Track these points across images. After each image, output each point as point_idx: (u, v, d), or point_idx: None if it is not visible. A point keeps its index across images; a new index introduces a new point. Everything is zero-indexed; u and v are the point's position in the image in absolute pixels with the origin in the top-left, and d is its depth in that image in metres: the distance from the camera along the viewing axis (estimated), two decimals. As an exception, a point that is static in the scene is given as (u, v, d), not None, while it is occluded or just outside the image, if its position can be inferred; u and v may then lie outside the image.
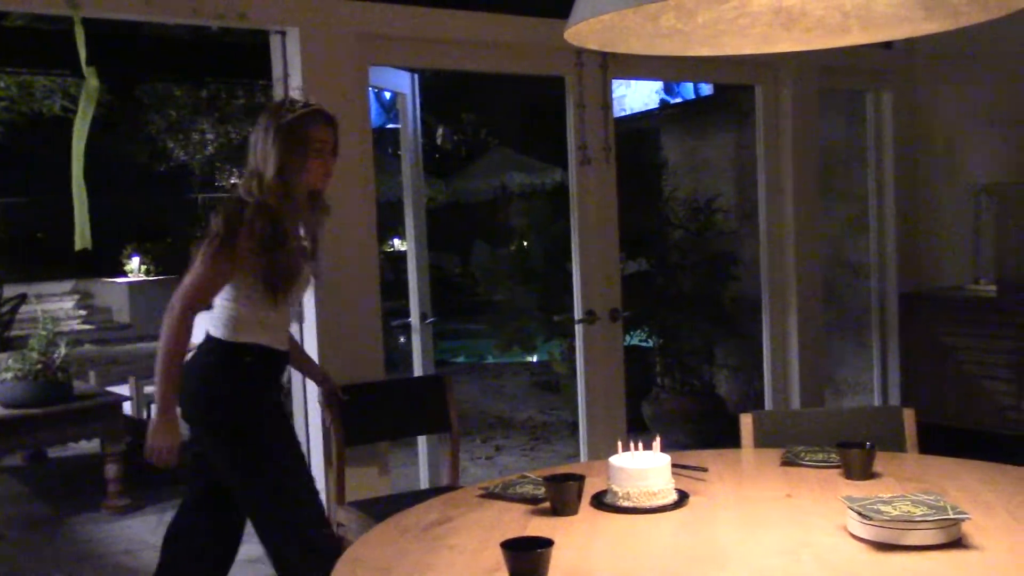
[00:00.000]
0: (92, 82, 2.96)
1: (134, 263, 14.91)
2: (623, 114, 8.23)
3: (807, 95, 4.80)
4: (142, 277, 14.81)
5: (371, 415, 3.38)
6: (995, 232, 4.85)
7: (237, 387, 2.70)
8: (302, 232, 2.77)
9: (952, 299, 4.92)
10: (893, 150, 5.25)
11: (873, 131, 5.31)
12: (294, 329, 3.41)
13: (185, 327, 2.61)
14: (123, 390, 5.87)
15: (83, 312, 14.17)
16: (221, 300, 2.68)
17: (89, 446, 5.83)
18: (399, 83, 4.22)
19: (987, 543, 1.77)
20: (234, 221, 2.58)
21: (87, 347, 11.05)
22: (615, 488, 2.06)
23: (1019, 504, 1.97)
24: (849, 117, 5.63)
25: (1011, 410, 4.53)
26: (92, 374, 6.19)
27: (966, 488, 2.09)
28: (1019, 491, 2.05)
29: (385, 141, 11.59)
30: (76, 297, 14.69)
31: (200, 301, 2.64)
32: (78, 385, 5.26)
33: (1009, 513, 1.92)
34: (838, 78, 5.01)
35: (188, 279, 2.62)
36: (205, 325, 2.75)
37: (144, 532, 4.83)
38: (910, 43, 5.07)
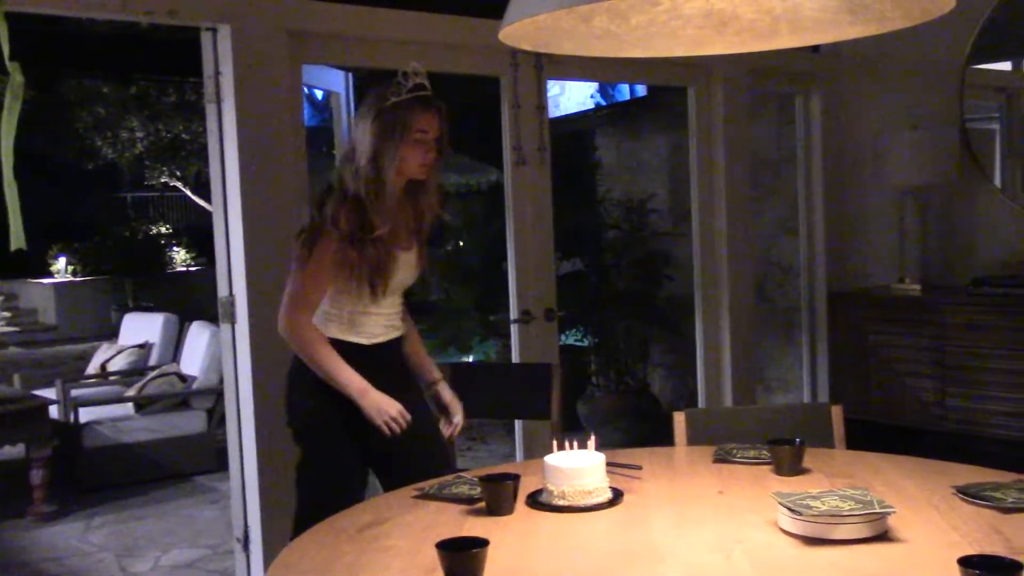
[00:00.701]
0: (17, 78, 2.89)
1: (61, 263, 14.57)
2: (558, 115, 8.26)
3: (738, 97, 4.87)
4: (69, 278, 14.47)
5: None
6: (919, 233, 4.97)
7: (307, 391, 2.65)
8: (400, 223, 2.65)
9: (878, 298, 5.03)
10: (821, 153, 5.36)
11: (802, 134, 5.41)
12: (229, 328, 3.36)
13: (306, 334, 2.56)
14: (49, 393, 5.75)
15: (7, 314, 13.80)
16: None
17: (14, 451, 5.68)
18: (333, 82, 4.19)
19: (912, 536, 1.81)
20: (317, 215, 2.52)
21: (12, 350, 10.78)
22: (550, 487, 2.06)
23: (942, 497, 2.02)
24: (779, 120, 5.73)
25: (934, 406, 4.64)
26: (16, 377, 6.04)
27: (891, 483, 2.14)
28: (940, 485, 2.10)
29: (319, 140, 11.48)
30: (0, 299, 14.31)
31: (302, 307, 2.57)
32: (2, 388, 5.12)
33: (933, 506, 1.97)
34: (768, 81, 5.09)
35: (286, 288, 2.59)
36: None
37: (71, 539, 4.73)
38: (837, 47, 5.18)
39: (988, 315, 4.48)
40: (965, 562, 1.51)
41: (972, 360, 4.52)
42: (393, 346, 2.74)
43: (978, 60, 4.94)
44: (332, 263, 2.53)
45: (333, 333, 2.62)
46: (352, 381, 2.54)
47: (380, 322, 2.68)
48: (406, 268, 2.67)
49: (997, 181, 5.03)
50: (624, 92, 7.89)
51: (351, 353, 2.60)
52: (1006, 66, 5.30)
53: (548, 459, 2.09)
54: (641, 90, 7.20)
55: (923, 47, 4.78)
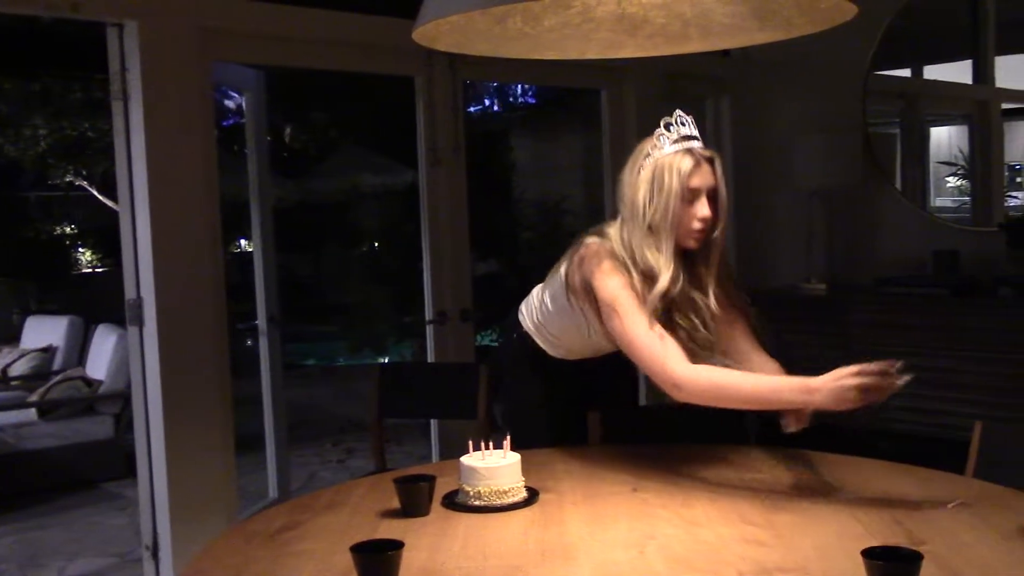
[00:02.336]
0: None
1: (-42, 265, 14.06)
2: (474, 110, 8.27)
3: (650, 100, 4.93)
4: (-33, 279, 13.97)
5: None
6: (825, 234, 5.10)
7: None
8: None
9: (786, 298, 5.15)
10: (731, 155, 5.47)
11: (713, 136, 5.51)
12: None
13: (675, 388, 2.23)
14: (-53, 400, 5.54)
15: (-99, 318, 13.27)
16: None
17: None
18: (244, 80, 4.13)
19: (817, 528, 1.86)
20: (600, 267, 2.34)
21: (-95, 355, 10.36)
22: (466, 487, 2.06)
23: (848, 491, 2.08)
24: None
25: (841, 403, 4.76)
26: (-89, 383, 5.81)
27: (799, 477, 2.21)
28: (847, 478, 2.18)
29: (231, 139, 11.30)
30: None
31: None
32: None
33: (838, 499, 2.03)
34: (680, 84, 5.17)
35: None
36: None
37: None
38: (747, 52, 5.29)
39: (891, 313, 4.62)
40: (868, 553, 1.56)
41: (877, 358, 4.60)
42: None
43: (880, 66, 5.09)
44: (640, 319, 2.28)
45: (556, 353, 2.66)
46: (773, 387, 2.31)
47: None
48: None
49: (898, 184, 5.19)
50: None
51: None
52: (906, 73, 5.48)
53: (464, 459, 2.09)
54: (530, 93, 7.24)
55: (829, 53, 4.91)
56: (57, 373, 6.19)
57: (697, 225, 2.30)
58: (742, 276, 5.46)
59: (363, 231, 10.40)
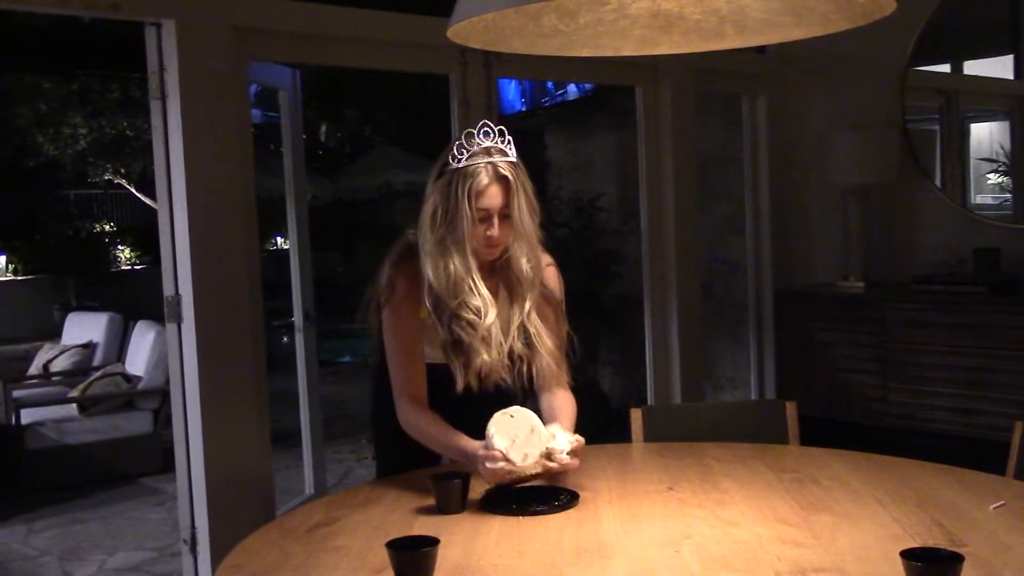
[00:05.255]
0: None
1: (1, 262, 14.27)
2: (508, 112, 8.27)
3: (686, 97, 4.91)
4: (10, 277, 14.18)
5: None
6: (862, 232, 5.05)
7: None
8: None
9: (823, 296, 5.11)
10: (767, 152, 5.43)
11: (748, 133, 5.47)
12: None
13: (408, 421, 2.33)
14: (-11, 395, 5.63)
15: (-55, 314, 13.50)
16: None
17: (-48, 454, 5.57)
18: (280, 79, 4.15)
19: (856, 529, 1.84)
20: (383, 278, 2.37)
21: (-51, 350, 10.54)
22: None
23: (885, 493, 2.06)
24: (726, 120, 5.79)
25: (876, 402, 4.73)
26: (-45, 379, 5.91)
27: (837, 477, 2.18)
28: (884, 480, 2.15)
29: (267, 138, 11.39)
30: (-63, 298, 14.00)
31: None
32: (-61, 391, 5.01)
33: (876, 500, 2.01)
34: (715, 81, 5.15)
35: None
36: None
37: (13, 543, 4.65)
38: (782, 48, 5.24)
39: (929, 312, 4.57)
40: (908, 555, 1.54)
41: (913, 356, 4.61)
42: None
43: (918, 62, 5.03)
44: (399, 339, 2.35)
45: None
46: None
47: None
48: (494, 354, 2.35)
49: (938, 181, 5.13)
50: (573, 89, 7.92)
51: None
52: (945, 68, 5.41)
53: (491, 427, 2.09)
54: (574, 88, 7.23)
55: (866, 49, 4.86)
56: (97, 369, 6.27)
57: (485, 244, 2.28)
58: (778, 274, 5.44)
59: (397, 228, 10.42)
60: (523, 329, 2.37)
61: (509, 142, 2.28)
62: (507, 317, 2.36)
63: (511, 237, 2.29)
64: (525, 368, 2.39)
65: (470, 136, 2.25)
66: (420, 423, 2.30)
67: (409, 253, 2.37)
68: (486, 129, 2.26)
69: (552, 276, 2.46)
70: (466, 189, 2.22)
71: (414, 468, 2.34)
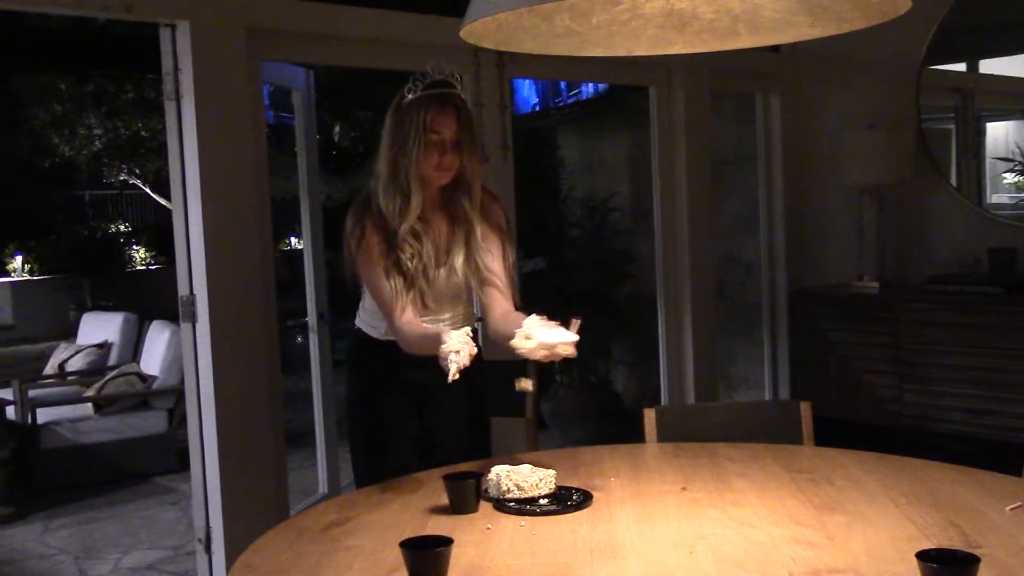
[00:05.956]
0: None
1: (17, 262, 14.36)
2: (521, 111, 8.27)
3: (699, 96, 4.90)
4: (26, 277, 14.26)
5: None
6: (876, 232, 5.03)
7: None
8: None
9: (837, 296, 5.09)
10: (781, 151, 5.41)
11: (762, 133, 5.46)
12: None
13: (402, 335, 2.41)
14: (6, 394, 5.67)
15: (-39, 314, 13.59)
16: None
17: (-32, 453, 5.60)
18: (293, 79, 4.16)
19: (871, 530, 1.84)
20: (348, 227, 2.46)
21: (-34, 350, 10.62)
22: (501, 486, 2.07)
23: (900, 493, 2.05)
24: (739, 119, 5.78)
25: (891, 402, 4.71)
26: (-29, 378, 5.95)
27: (851, 477, 2.18)
28: (899, 480, 2.14)
29: (281, 138, 11.42)
30: (-46, 298, 14.09)
31: (387, 313, 2.45)
32: (-44, 390, 5.05)
33: (891, 501, 2.00)
34: (729, 80, 5.13)
35: None
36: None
37: (29, 542, 4.68)
38: (796, 47, 5.23)
39: (944, 312, 4.55)
40: (923, 556, 1.54)
41: (928, 357, 4.59)
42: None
43: (934, 61, 5.01)
44: (376, 273, 2.44)
45: (359, 324, 2.67)
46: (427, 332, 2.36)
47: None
48: (443, 281, 2.52)
49: (953, 180, 5.10)
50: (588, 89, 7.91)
51: (371, 345, 2.64)
52: (961, 67, 5.38)
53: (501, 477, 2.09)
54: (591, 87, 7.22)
55: (881, 48, 4.84)
56: (112, 369, 6.29)
57: (436, 167, 2.41)
58: (792, 273, 5.43)
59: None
60: (471, 257, 2.51)
61: (459, 79, 2.45)
62: (453, 245, 2.51)
63: (461, 164, 2.44)
64: (474, 296, 2.60)
65: (424, 74, 2.39)
66: (404, 331, 2.39)
67: (366, 198, 2.49)
68: (438, 67, 2.40)
69: (495, 207, 2.60)
70: (420, 117, 2.36)
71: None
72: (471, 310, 2.76)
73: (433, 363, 2.15)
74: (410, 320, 2.41)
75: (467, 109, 2.45)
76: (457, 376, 2.07)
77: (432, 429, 2.68)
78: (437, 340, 2.15)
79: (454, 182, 2.49)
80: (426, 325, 2.43)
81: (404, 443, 2.64)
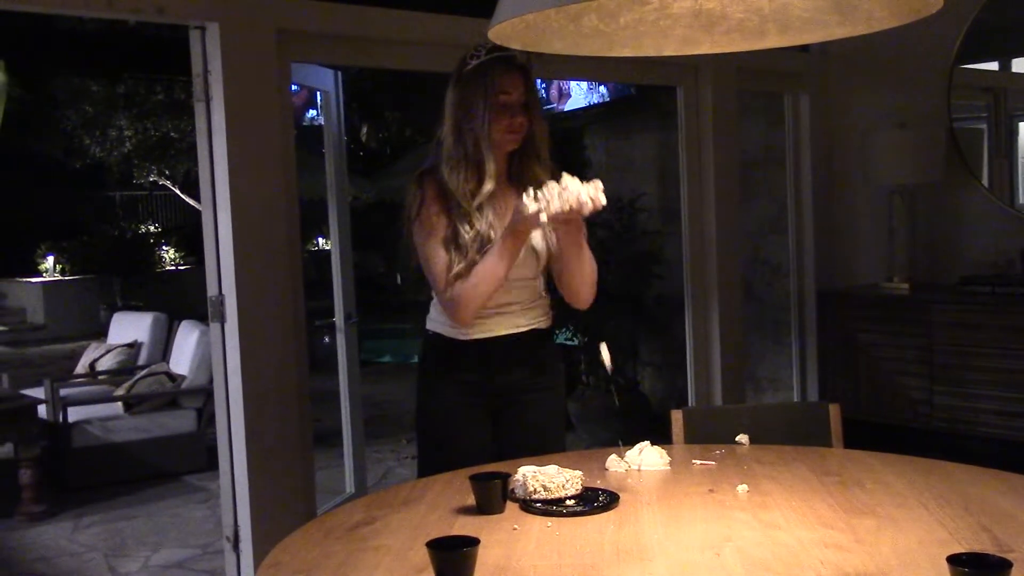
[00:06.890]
0: (0, 77, 2.87)
1: (49, 262, 14.53)
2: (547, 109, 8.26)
3: (727, 96, 4.88)
4: (57, 277, 14.42)
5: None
6: (907, 232, 4.99)
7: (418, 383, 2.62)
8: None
9: (867, 297, 5.05)
10: (810, 151, 5.38)
11: (791, 132, 5.42)
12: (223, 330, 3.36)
13: (462, 300, 2.33)
14: (38, 393, 5.72)
15: (-5, 313, 13.76)
16: None
17: (2, 451, 5.67)
18: (322, 80, 4.19)
19: (901, 534, 1.82)
20: (408, 197, 2.38)
21: (0, 349, 10.74)
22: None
23: (931, 497, 2.03)
24: (768, 119, 5.74)
25: (922, 404, 4.66)
26: (4, 376, 6.01)
27: (881, 480, 2.15)
28: (930, 483, 2.11)
29: (309, 139, 11.50)
30: (-12, 298, 14.27)
31: (443, 287, 2.36)
32: (-10, 388, 5.10)
33: (922, 505, 1.98)
34: (757, 80, 5.10)
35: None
36: None
37: (60, 539, 4.72)
38: (826, 47, 5.19)
39: (976, 314, 4.50)
40: (954, 560, 1.52)
41: (960, 359, 4.54)
42: (512, 341, 2.51)
43: (966, 60, 4.96)
44: (432, 244, 2.35)
45: (435, 327, 2.52)
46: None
47: (493, 317, 2.47)
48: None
49: (985, 180, 5.05)
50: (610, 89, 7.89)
51: (448, 349, 2.49)
52: (993, 66, 5.32)
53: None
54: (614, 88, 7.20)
55: (911, 47, 4.80)
56: (142, 368, 6.35)
57: (507, 130, 2.35)
58: (821, 274, 5.39)
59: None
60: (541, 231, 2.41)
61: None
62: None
63: (530, 128, 2.38)
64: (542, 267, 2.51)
65: (481, 45, 2.33)
66: (456, 289, 2.33)
67: (431, 167, 2.42)
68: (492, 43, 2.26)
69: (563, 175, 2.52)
70: (487, 80, 2.31)
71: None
72: (545, 301, 2.60)
73: (519, 366, 2.14)
74: (461, 279, 2.32)
75: (530, 72, 2.38)
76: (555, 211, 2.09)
77: (506, 441, 2.56)
78: (510, 227, 2.16)
79: (522, 148, 2.41)
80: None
81: (474, 456, 2.46)
